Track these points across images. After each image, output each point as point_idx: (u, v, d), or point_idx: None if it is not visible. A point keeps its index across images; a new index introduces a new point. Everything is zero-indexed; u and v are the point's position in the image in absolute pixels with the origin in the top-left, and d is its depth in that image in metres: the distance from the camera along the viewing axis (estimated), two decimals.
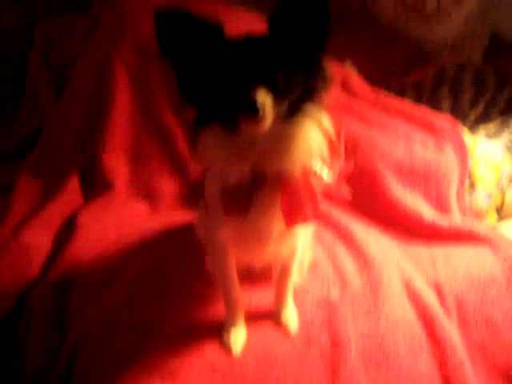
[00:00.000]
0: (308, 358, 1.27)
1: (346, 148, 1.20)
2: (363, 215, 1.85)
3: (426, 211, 1.80)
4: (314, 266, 1.54)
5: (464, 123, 2.11)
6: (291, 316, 1.36)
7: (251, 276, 1.42)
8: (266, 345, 1.29)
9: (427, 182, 1.86)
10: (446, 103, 2.30)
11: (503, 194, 1.93)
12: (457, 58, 2.64)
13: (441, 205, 1.85)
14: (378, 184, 1.85)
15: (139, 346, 1.29)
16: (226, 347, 1.27)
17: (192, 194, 1.90)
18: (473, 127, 2.16)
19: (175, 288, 1.46)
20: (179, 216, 1.81)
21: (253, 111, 0.95)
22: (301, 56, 1.03)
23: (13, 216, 1.86)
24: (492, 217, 1.91)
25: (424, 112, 2.08)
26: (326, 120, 1.09)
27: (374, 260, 1.58)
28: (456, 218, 1.83)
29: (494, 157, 1.97)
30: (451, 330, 1.39)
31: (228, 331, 1.29)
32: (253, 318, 1.35)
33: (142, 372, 1.22)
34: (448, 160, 1.89)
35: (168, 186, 1.97)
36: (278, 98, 0.98)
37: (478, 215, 1.91)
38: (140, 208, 1.91)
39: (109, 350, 1.32)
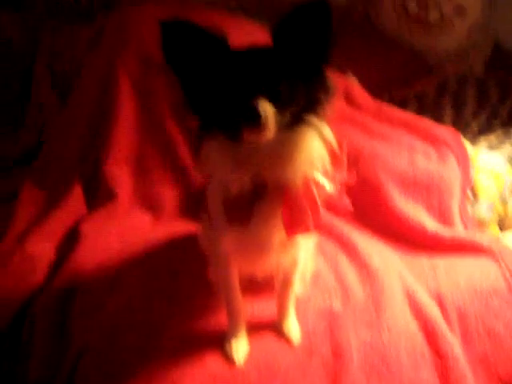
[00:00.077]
0: (310, 368, 1.27)
1: (348, 159, 1.20)
2: (365, 226, 1.85)
3: (429, 222, 1.80)
4: (316, 277, 1.54)
5: (466, 134, 2.12)
6: (293, 326, 1.36)
7: (253, 286, 1.42)
8: (268, 355, 1.29)
9: (430, 193, 1.86)
10: (448, 114, 2.31)
11: (505, 204, 1.93)
12: (459, 68, 2.65)
13: (443, 216, 1.84)
14: (381, 195, 1.85)
15: (141, 356, 1.29)
16: (228, 357, 1.27)
17: (194, 204, 1.90)
18: (475, 138, 2.16)
19: (177, 298, 1.46)
20: (182, 226, 1.82)
21: (255, 120, 0.96)
22: (303, 67, 1.04)
23: (17, 224, 1.86)
24: (494, 227, 1.91)
25: (426, 123, 2.08)
26: (327, 131, 1.09)
27: (377, 271, 1.58)
28: (458, 229, 1.82)
29: (496, 167, 1.97)
30: (453, 341, 1.38)
31: (230, 341, 1.29)
32: (255, 328, 1.36)
33: (144, 381, 1.22)
34: (451, 171, 1.89)
35: (171, 196, 1.97)
36: (280, 108, 0.99)
37: (481, 226, 1.90)
38: (143, 218, 1.91)
39: (111, 358, 1.31)
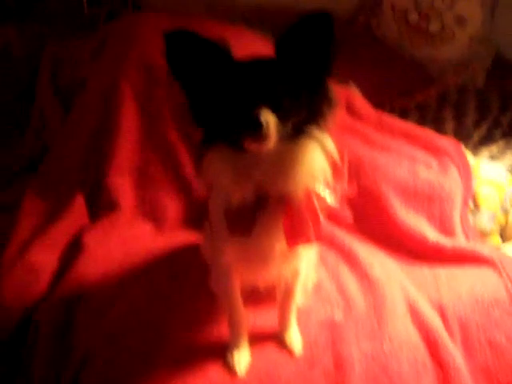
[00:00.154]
0: (311, 379, 1.27)
1: (349, 170, 1.21)
2: (367, 236, 1.85)
3: (430, 232, 1.80)
4: (317, 287, 1.55)
5: (467, 145, 2.12)
6: (295, 337, 1.36)
7: (255, 297, 1.43)
8: (269, 366, 1.29)
9: (431, 203, 1.86)
10: (449, 125, 2.32)
11: (507, 214, 1.93)
12: (460, 79, 2.65)
13: (445, 226, 1.85)
14: (382, 205, 1.85)
15: (144, 364, 1.29)
16: (229, 368, 1.27)
17: (196, 215, 1.91)
18: (476, 149, 2.17)
19: (179, 308, 1.46)
20: (184, 236, 1.82)
21: (257, 130, 0.97)
22: (306, 78, 1.05)
23: (19, 234, 1.86)
24: (496, 238, 1.91)
25: (428, 133, 2.09)
26: (329, 142, 1.10)
27: (378, 281, 1.58)
28: (460, 239, 1.83)
29: (497, 178, 1.98)
30: (455, 352, 1.38)
31: (232, 352, 1.30)
32: (257, 338, 1.36)
33: None
34: (452, 181, 1.90)
35: (173, 207, 1.97)
36: (282, 118, 1.00)
37: (482, 236, 1.90)
38: (145, 228, 1.92)
39: (114, 366, 1.32)
